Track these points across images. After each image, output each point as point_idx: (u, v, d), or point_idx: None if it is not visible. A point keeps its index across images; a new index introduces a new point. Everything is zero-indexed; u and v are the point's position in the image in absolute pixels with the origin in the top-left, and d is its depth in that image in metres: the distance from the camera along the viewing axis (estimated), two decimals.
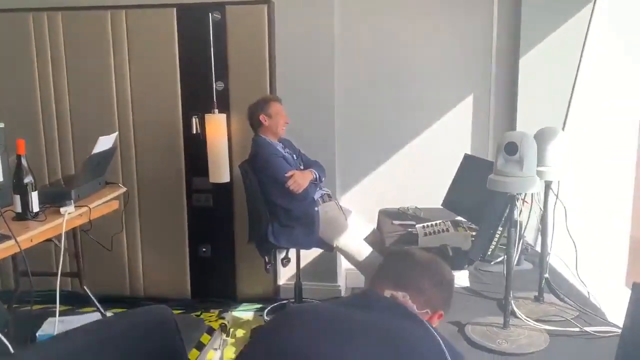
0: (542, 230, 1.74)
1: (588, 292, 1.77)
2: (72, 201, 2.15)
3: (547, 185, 1.70)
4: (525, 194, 1.77)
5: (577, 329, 1.53)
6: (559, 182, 1.71)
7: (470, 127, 3.48)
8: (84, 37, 3.37)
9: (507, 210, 1.52)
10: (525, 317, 1.57)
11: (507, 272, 1.50)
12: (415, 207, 3.05)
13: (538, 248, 2.05)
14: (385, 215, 3.01)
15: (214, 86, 3.31)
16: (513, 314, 1.58)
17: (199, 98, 3.33)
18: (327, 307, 1.18)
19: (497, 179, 1.47)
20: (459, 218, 2.62)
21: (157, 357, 1.04)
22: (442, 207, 2.77)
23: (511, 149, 1.44)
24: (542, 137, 1.63)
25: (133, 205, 3.46)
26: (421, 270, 1.27)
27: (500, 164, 1.47)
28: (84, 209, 2.21)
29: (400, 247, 2.39)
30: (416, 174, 3.52)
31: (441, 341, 1.05)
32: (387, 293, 1.18)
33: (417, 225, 2.58)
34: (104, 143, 2.43)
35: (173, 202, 3.47)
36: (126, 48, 3.36)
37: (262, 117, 3.03)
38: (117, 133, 2.78)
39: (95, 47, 3.37)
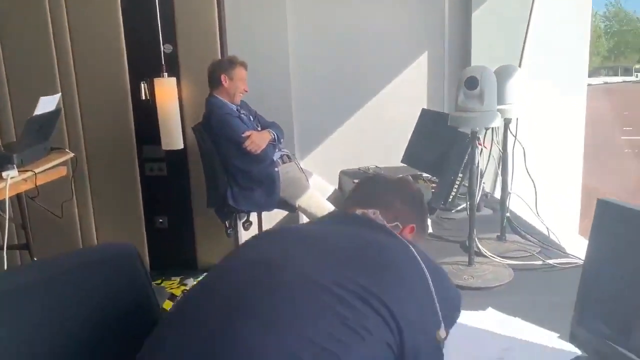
0: (502, 170, 1.75)
1: (548, 229, 1.79)
2: (14, 165, 2.01)
3: (506, 124, 1.71)
4: (484, 137, 1.79)
5: (540, 262, 1.56)
6: (517, 121, 1.71)
7: (425, 83, 3.49)
8: None
9: (469, 149, 1.50)
10: (489, 254, 1.58)
11: (471, 206, 1.50)
12: (376, 166, 3.04)
13: (497, 195, 2.07)
14: (346, 175, 2.99)
15: (162, 49, 3.17)
16: (477, 253, 1.59)
17: (146, 62, 3.18)
18: (298, 226, 1.18)
19: (458, 115, 1.45)
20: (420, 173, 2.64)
21: (120, 295, 0.97)
22: (402, 165, 2.78)
23: (471, 83, 1.42)
24: (500, 75, 1.62)
25: (82, 173, 3.29)
26: (390, 188, 1.26)
27: (461, 100, 1.45)
28: (29, 174, 2.08)
29: None
30: (376, 134, 3.50)
31: (414, 249, 1.02)
32: (359, 211, 1.15)
33: None
34: (46, 104, 2.28)
35: (124, 172, 3.33)
36: (64, 5, 3.16)
37: (223, 77, 2.93)
38: (59, 94, 2.62)
39: (31, 3, 3.15)
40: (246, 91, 3.00)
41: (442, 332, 0.94)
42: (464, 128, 1.50)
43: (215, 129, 2.86)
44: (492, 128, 1.76)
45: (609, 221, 1.03)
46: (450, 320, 1.01)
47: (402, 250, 1.03)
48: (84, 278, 0.91)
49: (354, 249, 1.02)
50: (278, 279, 0.93)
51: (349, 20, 3.45)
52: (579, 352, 1.09)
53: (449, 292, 1.04)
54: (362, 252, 1.01)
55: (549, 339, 1.17)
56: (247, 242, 1.12)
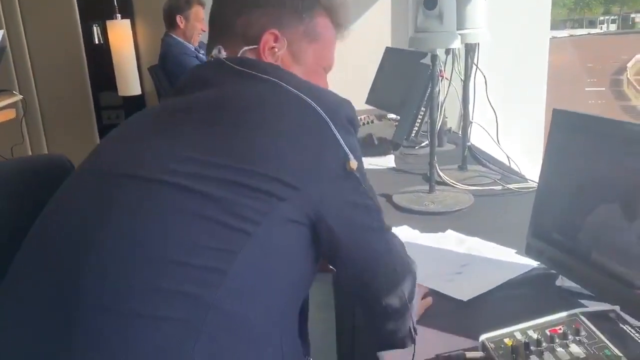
0: (463, 98, 1.73)
1: (508, 158, 1.80)
2: None
3: (467, 51, 1.68)
4: (445, 67, 1.76)
5: (500, 187, 1.57)
6: (478, 47, 1.68)
7: (390, 23, 3.42)
8: None
9: (430, 69, 1.47)
10: (450, 181, 1.58)
11: (431, 130, 1.48)
12: None
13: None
14: None
15: None
16: (439, 182, 1.59)
17: (98, 4, 3.02)
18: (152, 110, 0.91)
19: (417, 36, 1.42)
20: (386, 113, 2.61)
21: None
22: (367, 106, 2.74)
23: (430, 2, 1.38)
24: None
25: (34, 117, 3.16)
26: (221, 7, 0.93)
27: (420, 21, 1.41)
28: None
29: None
30: (340, 76, 3.42)
31: (289, 86, 0.78)
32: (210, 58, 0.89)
33: None
34: None
35: (80, 120, 3.22)
36: None
37: (178, 18, 2.81)
38: (3, 30, 2.47)
39: None
40: (204, 31, 2.89)
41: (352, 163, 0.76)
42: (423, 49, 1.46)
43: (171, 70, 2.76)
44: (453, 56, 1.74)
45: (564, 130, 1.02)
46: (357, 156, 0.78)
47: (251, 93, 0.79)
48: (14, 187, 0.86)
49: (190, 122, 0.77)
50: (117, 197, 0.72)
51: None
52: (535, 264, 1.10)
53: (347, 126, 0.78)
54: (204, 119, 0.77)
55: (507, 254, 1.18)
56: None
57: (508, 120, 2.03)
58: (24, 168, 0.89)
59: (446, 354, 0.81)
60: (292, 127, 0.76)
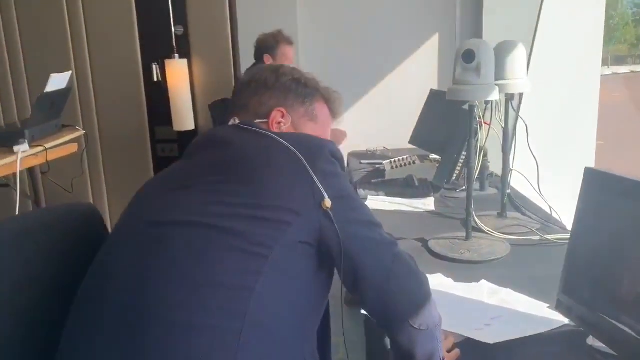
0: (503, 146, 1.74)
1: (550, 207, 1.78)
2: (25, 140, 2.08)
3: (507, 100, 1.70)
4: (485, 115, 1.78)
5: (538, 237, 1.56)
6: (520, 97, 1.70)
7: (437, 65, 3.46)
8: None
9: (468, 122, 1.50)
10: (487, 229, 1.58)
11: (468, 177, 1.50)
12: (384, 147, 3.04)
13: None
14: (354, 156, 2.99)
15: (173, 31, 3.20)
16: (477, 228, 1.59)
17: (158, 44, 3.23)
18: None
19: (455, 88, 1.46)
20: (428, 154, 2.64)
21: (82, 254, 0.99)
22: (410, 146, 2.77)
23: (469, 56, 1.42)
24: (501, 50, 1.62)
25: (95, 152, 3.38)
26: (242, 89, 1.18)
27: (459, 74, 1.45)
28: (40, 149, 2.14)
29: (368, 180, 2.38)
30: (385, 116, 3.49)
31: (275, 135, 0.99)
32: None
33: (384, 162, 2.58)
34: (57, 81, 2.33)
35: (137, 152, 3.40)
36: None
37: (266, 57, 2.88)
38: (71, 72, 2.68)
39: None
40: None
41: (327, 202, 0.92)
42: (461, 101, 1.50)
43: None
44: (495, 105, 1.75)
45: (596, 189, 1.03)
46: (336, 189, 0.95)
47: (255, 145, 0.99)
48: (46, 237, 0.94)
49: (214, 173, 0.97)
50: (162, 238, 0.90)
51: (359, 2, 3.43)
52: (566, 320, 1.09)
53: (326, 165, 0.97)
54: (221, 171, 0.96)
55: (538, 308, 1.18)
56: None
57: (553, 166, 2.01)
58: (57, 217, 0.98)
59: None
60: (284, 168, 0.95)
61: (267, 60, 2.89)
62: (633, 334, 0.89)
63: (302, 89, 1.16)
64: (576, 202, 1.07)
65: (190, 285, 0.85)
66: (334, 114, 1.25)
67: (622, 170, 1.00)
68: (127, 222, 1.00)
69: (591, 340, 1.02)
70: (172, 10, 3.19)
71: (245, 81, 1.19)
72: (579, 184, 1.04)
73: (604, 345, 0.98)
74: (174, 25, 3.21)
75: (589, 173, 1.04)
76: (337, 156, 1.00)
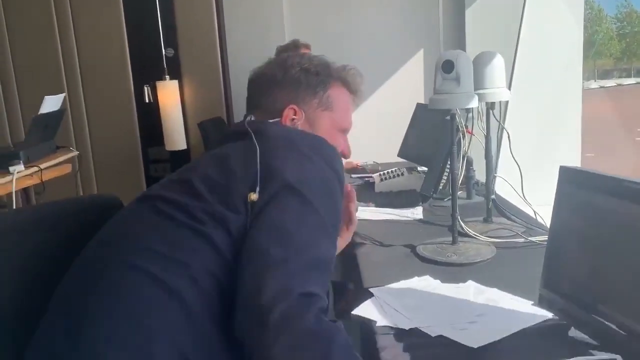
0: (486, 153, 1.79)
1: (534, 212, 1.83)
2: (20, 161, 2.12)
3: (489, 109, 1.76)
4: (469, 124, 1.83)
5: (522, 240, 1.60)
6: (500, 105, 1.76)
7: (422, 79, 3.54)
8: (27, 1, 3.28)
9: (450, 128, 1.55)
10: (473, 233, 1.63)
11: (453, 183, 1.55)
12: (374, 161, 3.09)
13: None
14: (345, 171, 3.03)
15: (164, 53, 3.27)
16: (463, 233, 1.64)
17: (149, 65, 3.30)
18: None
19: (436, 97, 1.52)
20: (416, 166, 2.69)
21: None
22: (399, 159, 2.83)
23: (448, 66, 1.48)
24: (480, 60, 1.68)
25: (89, 172, 3.43)
26: (253, 87, 1.18)
27: (439, 83, 1.51)
28: (34, 169, 2.18)
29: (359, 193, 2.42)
30: (374, 130, 3.55)
31: (292, 130, 1.06)
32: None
33: (374, 175, 2.63)
34: (51, 103, 2.38)
35: (130, 172, 3.45)
36: (69, 12, 3.28)
37: None
38: (64, 94, 2.75)
39: (38, 8, 3.28)
40: None
41: (253, 195, 0.93)
42: (445, 112, 1.55)
43: None
44: (478, 114, 1.81)
45: (571, 186, 1.08)
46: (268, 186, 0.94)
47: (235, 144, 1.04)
48: (82, 223, 1.01)
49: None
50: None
51: (345, 20, 3.53)
52: (549, 315, 1.13)
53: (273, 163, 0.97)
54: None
55: (523, 305, 1.21)
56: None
57: (540, 171, 2.07)
58: (84, 206, 1.04)
59: None
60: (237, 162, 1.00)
61: None
62: (612, 325, 0.93)
63: (313, 79, 1.13)
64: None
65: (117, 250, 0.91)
66: (354, 91, 1.22)
67: None
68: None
69: (573, 332, 1.05)
70: (163, 33, 3.26)
71: (254, 78, 1.17)
72: None
73: (585, 336, 1.02)
74: (165, 48, 3.28)
75: (563, 170, 1.09)
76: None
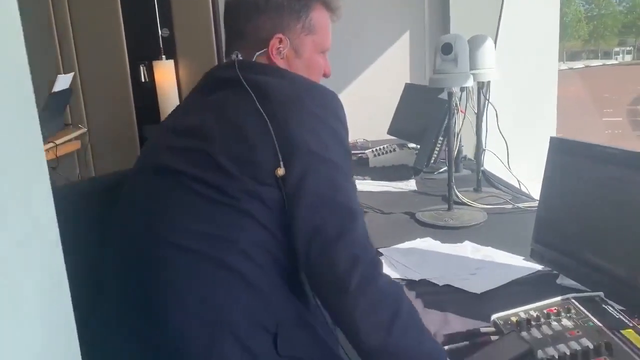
0: (477, 128, 1.96)
1: (519, 182, 2.01)
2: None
3: (480, 88, 1.92)
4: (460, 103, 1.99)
5: (511, 206, 1.78)
6: (488, 84, 1.92)
7: (408, 60, 3.68)
8: None
9: (447, 104, 1.71)
10: (466, 200, 1.80)
11: (449, 155, 1.71)
12: (364, 139, 3.24)
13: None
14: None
15: (160, 33, 3.34)
16: (456, 202, 1.81)
17: (144, 46, 3.36)
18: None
19: (436, 77, 1.66)
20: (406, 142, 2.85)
21: None
22: (388, 136, 2.98)
23: (447, 49, 1.63)
24: (473, 43, 1.83)
25: (85, 149, 3.47)
26: (233, 14, 1.14)
27: (438, 64, 1.66)
28: (50, 145, 2.26)
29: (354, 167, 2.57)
30: (363, 110, 3.67)
31: (289, 83, 1.03)
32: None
33: (366, 151, 2.78)
34: (63, 82, 2.45)
35: (126, 150, 3.51)
36: None
37: None
38: (73, 73, 2.79)
39: None
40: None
41: (280, 170, 0.96)
42: (442, 88, 1.70)
43: None
44: (468, 94, 1.97)
45: (561, 154, 1.24)
46: (295, 159, 0.97)
47: (235, 100, 1.02)
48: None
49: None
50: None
51: None
52: (539, 267, 1.31)
53: (294, 131, 0.98)
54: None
55: (516, 260, 1.39)
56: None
57: (520, 147, 2.25)
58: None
59: (464, 330, 1.02)
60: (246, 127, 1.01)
61: None
62: (596, 270, 1.10)
63: (295, 3, 1.11)
64: (542, 174, 1.28)
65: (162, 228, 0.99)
66: (334, 9, 1.19)
67: None
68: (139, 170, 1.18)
69: (560, 280, 1.23)
70: (158, 14, 3.32)
71: (234, 3, 1.13)
72: (543, 164, 1.25)
73: (572, 282, 1.19)
74: (160, 28, 3.34)
75: (554, 140, 1.26)
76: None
